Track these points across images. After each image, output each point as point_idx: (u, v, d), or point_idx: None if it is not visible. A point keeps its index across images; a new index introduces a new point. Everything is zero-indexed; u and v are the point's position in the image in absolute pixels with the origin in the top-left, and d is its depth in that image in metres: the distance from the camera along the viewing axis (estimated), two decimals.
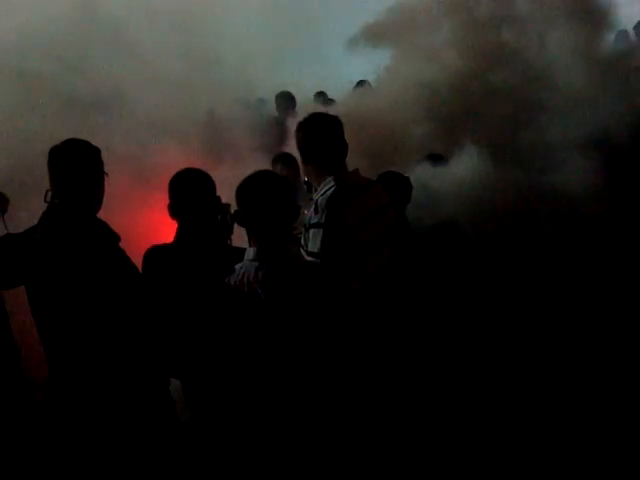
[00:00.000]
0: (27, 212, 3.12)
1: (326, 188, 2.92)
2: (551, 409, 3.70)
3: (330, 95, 6.37)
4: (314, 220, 2.86)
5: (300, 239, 2.97)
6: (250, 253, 2.32)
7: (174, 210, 2.85)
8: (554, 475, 3.33)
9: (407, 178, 3.96)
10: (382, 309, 2.78)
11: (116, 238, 2.79)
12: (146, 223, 3.93)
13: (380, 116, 5.08)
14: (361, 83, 6.38)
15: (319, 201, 2.88)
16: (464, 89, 5.15)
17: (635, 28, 7.00)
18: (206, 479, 2.74)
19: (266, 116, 6.12)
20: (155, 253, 2.87)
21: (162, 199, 2.89)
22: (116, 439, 2.71)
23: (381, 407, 2.55)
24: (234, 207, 2.45)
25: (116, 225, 2.85)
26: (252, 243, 2.35)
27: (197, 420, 2.79)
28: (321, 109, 4.53)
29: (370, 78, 6.23)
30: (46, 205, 2.80)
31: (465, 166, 4.67)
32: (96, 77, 4.84)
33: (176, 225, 2.90)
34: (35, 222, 2.84)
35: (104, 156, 2.88)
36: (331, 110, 4.51)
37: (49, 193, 2.78)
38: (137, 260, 2.86)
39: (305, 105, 5.75)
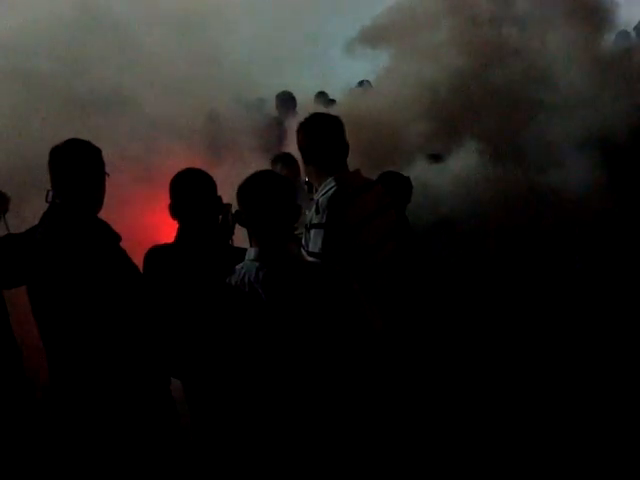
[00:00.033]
0: (28, 212, 3.12)
1: (327, 188, 2.92)
2: (551, 408, 3.70)
3: (331, 95, 6.36)
4: (315, 220, 2.86)
5: (301, 239, 2.97)
6: (251, 253, 2.32)
7: (175, 210, 2.85)
8: (554, 475, 3.33)
9: (407, 178, 3.96)
10: (383, 308, 2.79)
11: (117, 238, 2.79)
12: (147, 223, 3.93)
13: (380, 116, 5.08)
14: (362, 83, 6.38)
15: (320, 201, 2.88)
16: (464, 88, 5.15)
17: (636, 28, 7.00)
18: (206, 479, 2.74)
19: (266, 116, 6.12)
20: (156, 253, 2.88)
21: (163, 199, 2.90)
22: (117, 439, 2.71)
23: (382, 406, 2.55)
24: (235, 207, 2.45)
25: (117, 225, 2.86)
26: (253, 243, 2.36)
27: (198, 420, 2.79)
28: (321, 109, 4.54)
29: (370, 78, 6.23)
30: (47, 205, 2.80)
31: (464, 164, 4.68)
32: (98, 77, 4.84)
33: (177, 225, 2.90)
34: (36, 222, 2.84)
35: (105, 156, 2.88)
36: (331, 110, 4.53)
37: (50, 193, 2.78)
38: (138, 260, 2.86)
39: (306, 105, 5.76)
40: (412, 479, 3.12)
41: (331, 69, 6.03)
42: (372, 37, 5.52)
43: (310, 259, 2.83)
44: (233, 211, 2.77)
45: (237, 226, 2.83)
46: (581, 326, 4.17)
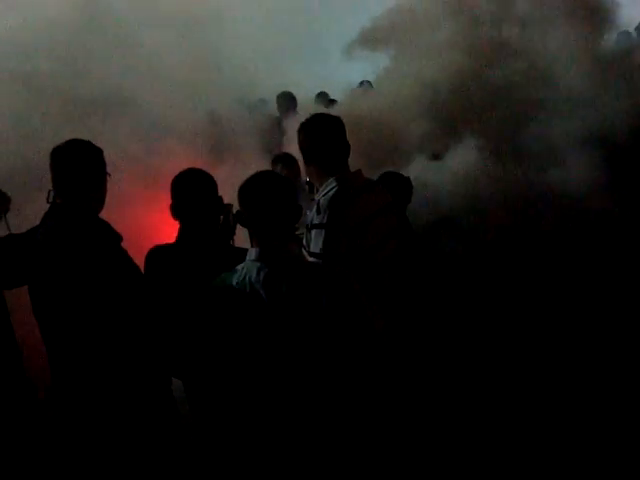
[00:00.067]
0: (29, 212, 3.12)
1: (328, 189, 2.92)
2: (551, 407, 3.70)
3: (332, 96, 6.36)
4: (316, 220, 2.86)
5: (302, 239, 2.97)
6: (252, 253, 2.32)
7: (176, 210, 2.86)
8: (554, 475, 3.33)
9: (408, 178, 3.97)
10: (384, 308, 2.80)
11: (118, 238, 2.79)
12: (148, 223, 3.93)
13: (380, 116, 5.09)
14: (362, 84, 6.38)
15: (321, 201, 2.88)
16: (464, 88, 5.15)
17: (637, 29, 7.00)
18: (207, 478, 2.74)
19: (268, 116, 6.12)
20: (157, 253, 2.88)
21: (164, 199, 2.90)
22: (118, 438, 2.71)
23: (383, 406, 2.55)
24: (236, 207, 2.45)
25: (118, 225, 2.86)
26: (254, 243, 2.36)
27: (198, 419, 2.79)
28: (322, 110, 4.55)
29: (370, 78, 6.24)
30: (48, 205, 2.80)
31: (463, 161, 4.68)
32: (99, 77, 4.84)
33: (178, 225, 2.91)
34: (37, 222, 2.84)
35: (106, 156, 2.88)
36: (331, 110, 4.53)
37: (51, 193, 2.79)
38: (139, 260, 2.87)
39: (306, 105, 5.76)
40: (412, 479, 3.12)
41: (332, 69, 6.02)
42: (372, 39, 5.53)
43: (311, 259, 2.83)
44: (234, 211, 2.78)
45: (238, 226, 2.83)
46: (581, 324, 4.17)
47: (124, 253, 2.79)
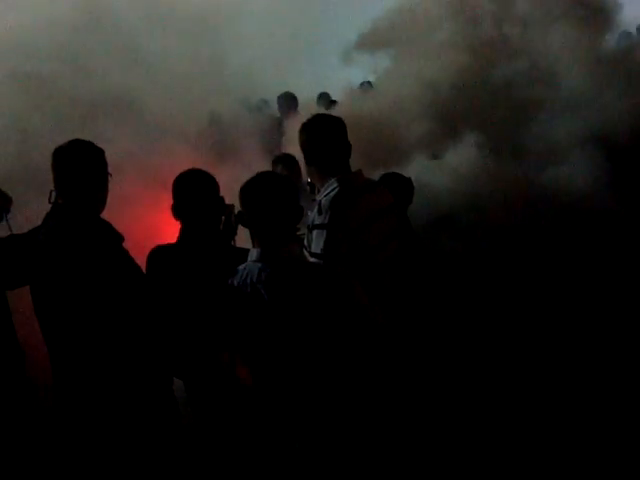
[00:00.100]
0: (31, 213, 3.12)
1: (330, 189, 2.92)
2: (551, 408, 3.71)
3: (334, 96, 6.37)
4: (317, 221, 2.86)
5: (303, 240, 2.97)
6: (253, 254, 2.33)
7: (178, 211, 2.86)
8: (554, 475, 3.34)
9: (409, 179, 3.97)
10: (386, 309, 2.80)
11: (120, 238, 2.80)
12: (150, 224, 3.94)
13: (380, 116, 5.10)
14: (363, 84, 6.39)
15: (322, 202, 2.89)
16: (465, 87, 5.16)
17: (638, 29, 7.00)
18: (209, 478, 2.74)
19: (269, 117, 6.13)
20: (159, 253, 2.88)
21: (166, 200, 2.90)
22: (119, 439, 2.71)
23: (385, 406, 2.55)
24: (238, 208, 2.46)
25: (119, 225, 2.86)
26: (255, 244, 2.36)
27: (200, 419, 2.80)
28: (323, 110, 4.55)
29: (372, 78, 6.24)
30: (50, 205, 2.81)
31: (463, 160, 4.69)
32: (101, 78, 4.84)
33: (180, 226, 2.91)
34: (39, 223, 2.84)
35: (108, 157, 2.88)
36: (332, 111, 4.53)
37: (53, 193, 2.79)
38: (141, 260, 2.87)
39: (307, 106, 5.76)
40: (412, 478, 3.12)
41: (335, 70, 6.02)
42: (370, 43, 5.53)
43: (312, 260, 2.83)
44: (236, 212, 2.78)
45: (240, 227, 2.84)
46: (581, 323, 4.17)
47: (125, 253, 2.80)
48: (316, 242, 2.84)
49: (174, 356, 2.76)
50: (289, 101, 6.47)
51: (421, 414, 3.22)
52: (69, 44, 4.77)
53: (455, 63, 5.21)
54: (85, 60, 4.87)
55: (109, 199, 2.90)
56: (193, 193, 2.84)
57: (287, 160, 4.40)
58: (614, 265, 4.48)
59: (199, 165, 3.01)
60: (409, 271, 3.14)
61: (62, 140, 2.82)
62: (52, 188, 2.79)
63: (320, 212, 2.86)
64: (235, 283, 2.30)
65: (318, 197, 2.97)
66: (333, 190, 2.91)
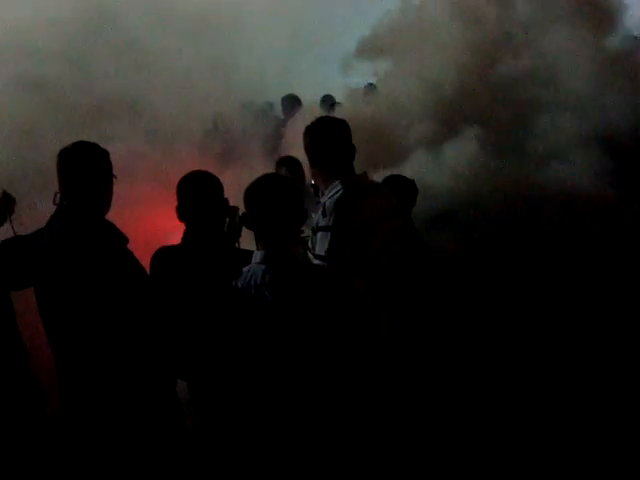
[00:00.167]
0: (37, 214, 3.13)
1: (334, 191, 2.93)
2: (551, 409, 3.71)
3: (338, 99, 6.37)
4: (322, 223, 2.87)
5: (307, 242, 2.98)
6: (257, 256, 2.33)
7: (182, 212, 2.86)
8: (554, 475, 3.33)
9: (412, 181, 3.96)
10: (390, 311, 2.79)
11: (124, 240, 2.80)
12: (154, 225, 3.94)
13: (382, 116, 5.10)
14: (368, 86, 6.39)
15: (327, 204, 2.89)
16: (468, 87, 5.16)
17: None
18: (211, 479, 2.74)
19: (274, 119, 6.14)
20: (163, 255, 2.89)
21: (170, 201, 2.91)
22: (124, 439, 2.71)
23: (388, 408, 2.55)
24: (242, 210, 2.46)
25: (124, 227, 2.87)
26: (260, 246, 2.36)
27: (203, 421, 2.80)
28: (325, 113, 4.56)
29: (372, 80, 6.25)
30: (55, 207, 2.81)
31: (463, 157, 4.69)
32: (106, 80, 4.86)
33: (184, 227, 2.91)
34: (43, 224, 2.85)
35: (112, 158, 2.89)
36: (333, 112, 4.53)
37: (58, 195, 2.80)
38: (145, 262, 2.87)
39: (310, 108, 5.76)
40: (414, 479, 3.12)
41: (338, 72, 6.02)
42: (372, 48, 5.54)
43: (317, 262, 2.83)
44: (240, 214, 2.78)
45: (244, 229, 2.84)
46: (582, 322, 4.17)
47: (130, 255, 2.80)
48: (320, 244, 2.85)
49: (177, 357, 2.76)
50: (293, 103, 6.47)
51: (425, 416, 3.22)
52: (75, 46, 4.78)
53: (457, 63, 5.21)
54: (90, 62, 4.88)
55: (114, 200, 2.90)
56: (197, 195, 2.85)
57: (291, 162, 4.40)
58: (615, 263, 4.48)
59: (203, 167, 3.02)
60: (413, 274, 3.14)
61: (67, 142, 2.83)
62: (57, 190, 2.80)
63: (324, 214, 2.87)
64: (239, 285, 2.30)
65: (322, 199, 2.97)
66: (337, 192, 2.91)
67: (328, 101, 6.43)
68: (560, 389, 3.82)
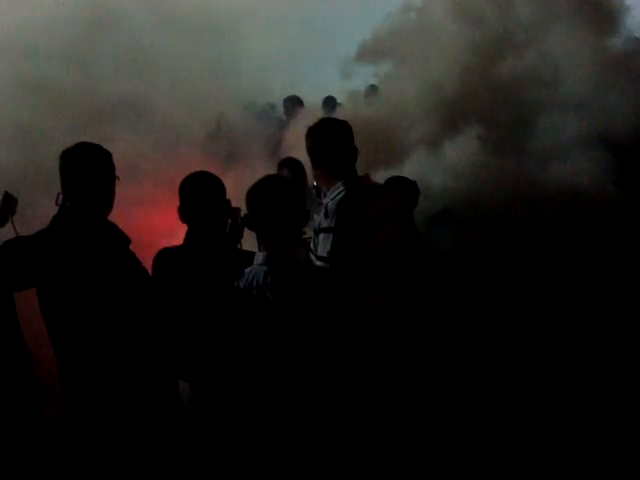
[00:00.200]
0: (39, 215, 3.14)
1: (336, 193, 2.93)
2: (552, 409, 3.71)
3: (340, 100, 6.38)
4: (324, 224, 2.87)
5: (309, 243, 2.98)
6: (259, 257, 2.33)
7: (184, 213, 2.87)
8: (554, 475, 3.34)
9: (414, 183, 3.97)
10: (392, 313, 2.80)
11: (126, 241, 2.80)
12: (156, 226, 3.95)
13: (383, 117, 5.11)
14: (371, 88, 6.39)
15: (329, 205, 2.89)
16: (469, 87, 5.17)
17: None
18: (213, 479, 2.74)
19: (276, 120, 6.15)
20: (165, 255, 2.89)
21: (172, 202, 2.91)
22: (126, 440, 2.71)
23: (390, 410, 2.55)
24: (244, 211, 2.46)
25: (126, 228, 2.87)
26: (261, 247, 2.36)
27: (205, 422, 2.80)
28: (327, 114, 4.56)
29: (373, 81, 6.26)
30: (57, 208, 2.82)
31: (463, 156, 4.70)
32: (108, 82, 4.86)
33: (186, 228, 2.92)
34: (46, 225, 2.86)
35: (115, 159, 2.89)
36: (334, 113, 4.53)
37: (60, 196, 2.80)
38: (148, 263, 2.88)
39: (312, 110, 5.77)
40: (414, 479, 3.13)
41: (340, 74, 6.03)
42: (372, 52, 5.55)
43: (319, 263, 2.83)
44: (242, 215, 2.78)
45: (246, 230, 2.84)
46: (583, 322, 4.17)
47: (132, 255, 2.80)
48: (322, 245, 2.85)
49: (179, 358, 2.76)
50: (294, 104, 6.48)
51: (427, 417, 3.22)
52: (77, 47, 4.79)
53: (459, 63, 5.22)
54: (93, 63, 4.89)
55: (116, 201, 2.91)
56: (200, 196, 2.85)
57: (293, 164, 4.40)
58: (616, 262, 4.48)
59: (205, 168, 3.02)
60: (415, 275, 3.14)
61: (69, 142, 2.83)
62: (59, 190, 2.80)
63: (326, 216, 2.87)
64: (241, 286, 2.30)
65: (325, 201, 2.98)
66: (339, 194, 2.91)
67: (330, 103, 6.44)
68: (560, 387, 3.83)
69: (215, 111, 5.49)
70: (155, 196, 4.10)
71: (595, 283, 4.37)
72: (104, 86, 4.85)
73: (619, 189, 4.82)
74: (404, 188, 3.83)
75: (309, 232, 2.94)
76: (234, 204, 2.94)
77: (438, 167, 4.74)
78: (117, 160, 2.88)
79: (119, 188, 2.89)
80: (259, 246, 2.38)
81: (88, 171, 2.75)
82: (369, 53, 5.55)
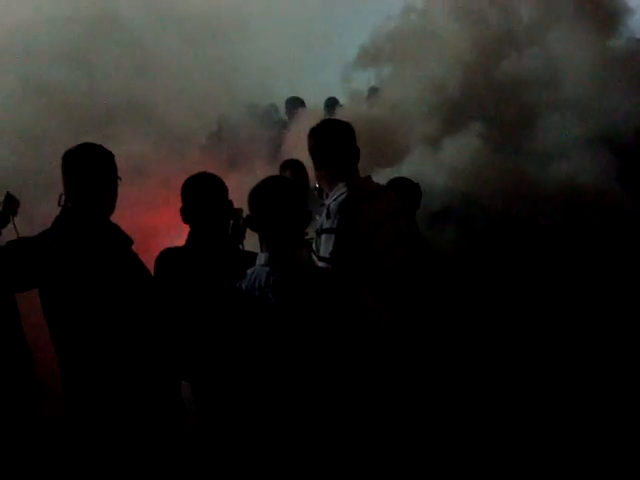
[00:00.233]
0: (42, 216, 3.14)
1: (338, 194, 2.93)
2: (552, 409, 3.71)
3: (342, 101, 6.38)
4: (326, 225, 2.87)
5: (312, 244, 2.98)
6: (262, 258, 2.33)
7: (186, 214, 2.87)
8: (554, 475, 3.33)
9: (417, 184, 3.97)
10: (394, 314, 2.80)
11: (129, 242, 2.81)
12: (159, 226, 3.95)
13: (384, 118, 5.11)
14: (372, 90, 6.39)
15: (331, 206, 2.89)
16: (470, 87, 5.17)
17: None
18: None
19: (278, 122, 6.15)
20: (167, 256, 2.89)
21: (175, 203, 2.91)
22: (128, 440, 2.71)
23: (391, 409, 2.55)
24: (246, 212, 2.47)
25: (128, 229, 2.87)
26: (264, 248, 2.36)
27: (206, 422, 2.80)
28: (329, 114, 4.56)
29: (373, 83, 6.26)
30: (60, 209, 2.82)
31: (465, 156, 4.70)
32: (111, 83, 4.87)
33: (188, 229, 2.92)
34: (49, 226, 2.86)
35: (117, 161, 2.90)
36: (337, 114, 4.54)
37: (63, 197, 2.80)
38: (150, 264, 2.88)
39: (314, 112, 5.77)
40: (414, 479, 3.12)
41: (341, 75, 6.04)
42: (372, 56, 5.55)
43: (321, 264, 2.83)
44: (244, 215, 2.79)
45: (248, 231, 2.84)
46: (584, 321, 4.17)
47: (134, 256, 2.80)
48: (324, 246, 2.85)
49: (181, 359, 2.76)
50: (296, 105, 6.48)
51: (428, 419, 3.22)
52: (80, 49, 4.80)
53: (460, 64, 5.22)
54: (96, 65, 4.90)
55: (118, 202, 2.91)
56: (202, 197, 2.85)
57: (295, 165, 4.40)
58: (617, 262, 4.48)
59: (207, 169, 3.02)
60: (417, 277, 3.14)
61: (71, 143, 2.83)
62: (62, 191, 2.80)
63: (329, 216, 2.87)
64: (243, 287, 2.30)
65: (327, 202, 2.97)
66: (342, 195, 2.91)
67: (332, 104, 6.44)
68: (560, 386, 3.83)
69: (217, 112, 5.49)
70: (157, 197, 4.11)
71: (595, 283, 4.37)
72: (107, 87, 4.85)
73: (620, 189, 4.82)
74: (406, 189, 3.83)
75: (311, 233, 2.94)
76: (236, 205, 2.94)
77: (439, 166, 4.74)
78: (119, 161, 2.89)
79: (121, 189, 2.90)
80: (261, 247, 2.38)
81: (90, 172, 2.76)
82: (368, 58, 5.56)
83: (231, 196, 2.94)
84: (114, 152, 2.87)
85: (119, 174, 2.88)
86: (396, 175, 4.07)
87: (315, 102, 6.41)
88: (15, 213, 3.33)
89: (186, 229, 2.92)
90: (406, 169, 4.57)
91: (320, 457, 2.25)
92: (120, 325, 2.68)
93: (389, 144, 4.98)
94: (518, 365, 3.96)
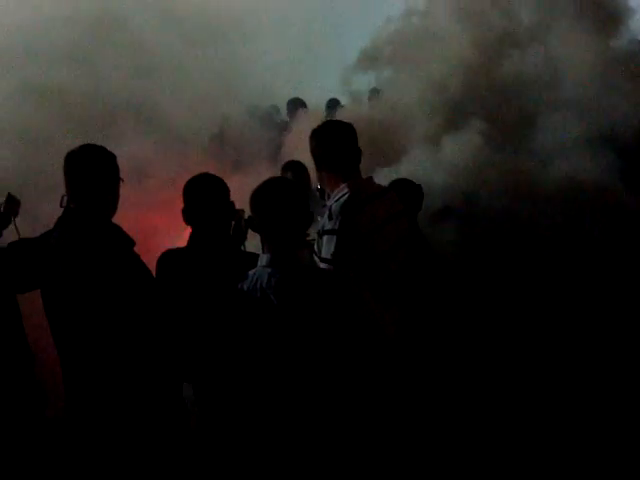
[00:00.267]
0: (44, 217, 3.14)
1: (340, 195, 2.93)
2: (552, 408, 3.71)
3: (343, 102, 6.38)
4: (328, 226, 2.87)
5: (313, 245, 2.98)
6: (263, 259, 2.33)
7: (188, 215, 2.87)
8: (554, 475, 3.33)
9: (419, 186, 3.96)
10: (395, 315, 2.80)
11: (131, 243, 2.81)
12: (160, 228, 3.96)
13: (384, 118, 5.12)
14: (373, 91, 6.39)
15: (333, 208, 2.89)
16: (471, 86, 5.18)
17: None
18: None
19: (280, 123, 6.15)
20: (169, 257, 2.90)
21: (177, 204, 2.92)
22: (129, 441, 2.71)
23: (392, 411, 2.55)
24: (248, 213, 2.47)
25: (130, 230, 2.87)
26: (265, 249, 2.36)
27: (208, 423, 2.80)
28: (330, 115, 4.56)
29: (374, 84, 6.27)
30: (62, 210, 2.82)
31: (466, 155, 4.70)
32: (113, 84, 4.87)
33: (190, 230, 2.92)
34: (51, 227, 2.86)
35: (119, 162, 2.90)
36: (338, 115, 4.54)
37: (65, 198, 2.80)
38: (152, 265, 2.88)
39: (314, 113, 5.77)
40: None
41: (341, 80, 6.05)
42: (373, 59, 5.56)
43: (322, 265, 2.83)
44: (246, 217, 2.79)
45: (250, 232, 2.84)
46: (586, 321, 4.17)
47: (136, 257, 2.81)
48: (326, 247, 2.85)
49: (183, 360, 2.77)
50: (297, 106, 6.48)
51: (430, 420, 3.22)
52: (81, 49, 4.80)
53: (462, 64, 5.23)
54: (98, 66, 4.90)
55: (120, 203, 2.91)
56: (203, 198, 2.85)
57: (296, 166, 4.40)
58: (617, 262, 4.48)
59: (209, 170, 3.02)
60: (418, 278, 3.14)
61: (73, 144, 2.83)
62: (64, 192, 2.81)
63: (330, 218, 2.87)
64: (245, 288, 2.30)
65: (328, 203, 2.98)
66: (343, 196, 2.91)
67: (334, 105, 6.44)
68: (560, 386, 3.83)
69: (219, 113, 5.49)
70: (159, 198, 4.11)
71: (595, 283, 4.37)
72: (108, 88, 4.85)
73: (620, 189, 4.82)
74: (408, 191, 3.83)
75: (313, 234, 2.94)
76: (238, 206, 2.95)
77: (439, 164, 4.75)
78: (121, 162, 2.89)
79: (123, 190, 2.90)
80: (263, 248, 2.38)
81: (92, 173, 2.76)
82: (369, 60, 5.56)
83: (233, 197, 2.94)
84: (115, 153, 2.87)
85: (121, 175, 2.88)
86: (396, 174, 4.07)
87: (316, 103, 6.41)
88: (16, 214, 3.33)
89: (188, 230, 2.93)
90: (406, 168, 4.57)
91: (322, 458, 2.25)
92: (122, 326, 2.68)
93: (390, 145, 4.98)
94: (519, 365, 3.96)
